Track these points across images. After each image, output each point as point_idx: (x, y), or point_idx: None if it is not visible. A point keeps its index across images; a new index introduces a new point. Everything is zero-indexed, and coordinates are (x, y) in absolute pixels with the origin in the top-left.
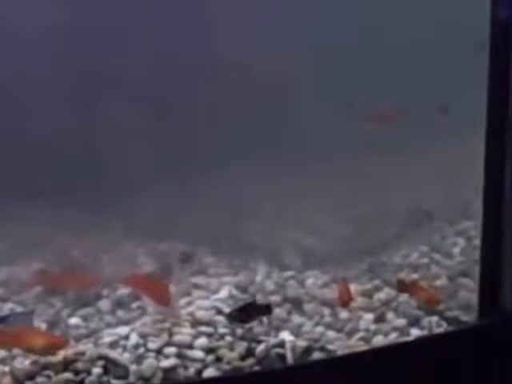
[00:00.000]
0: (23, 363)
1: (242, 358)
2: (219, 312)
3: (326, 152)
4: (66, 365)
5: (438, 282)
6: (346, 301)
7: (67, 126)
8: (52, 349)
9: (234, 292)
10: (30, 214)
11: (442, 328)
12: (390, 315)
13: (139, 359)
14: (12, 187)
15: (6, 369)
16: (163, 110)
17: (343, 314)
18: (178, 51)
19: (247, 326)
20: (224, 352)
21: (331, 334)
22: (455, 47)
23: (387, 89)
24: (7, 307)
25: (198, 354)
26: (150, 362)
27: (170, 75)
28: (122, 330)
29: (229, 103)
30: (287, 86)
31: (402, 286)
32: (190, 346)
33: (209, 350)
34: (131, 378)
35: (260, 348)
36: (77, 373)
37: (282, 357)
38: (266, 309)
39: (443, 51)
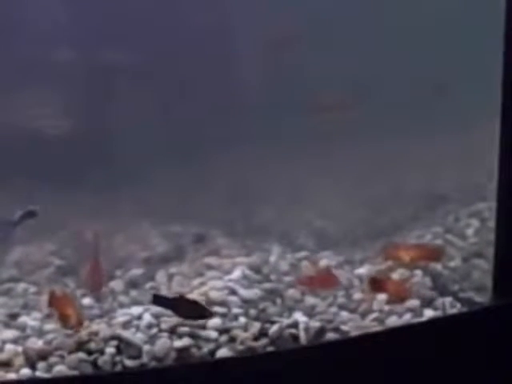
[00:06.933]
0: (36, 343)
1: (256, 338)
2: (233, 292)
3: (339, 135)
4: (80, 345)
5: (452, 263)
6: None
7: (80, 109)
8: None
9: (248, 272)
10: (41, 196)
11: (455, 309)
12: None
13: (152, 339)
14: (24, 170)
15: (19, 349)
16: (177, 92)
17: (357, 295)
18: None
19: None
20: (237, 332)
21: (345, 314)
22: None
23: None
24: (20, 287)
25: (211, 334)
26: (163, 342)
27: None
28: (136, 310)
29: (243, 85)
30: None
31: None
32: (204, 327)
33: (222, 331)
34: (144, 358)
35: (273, 329)
36: (90, 353)
37: (296, 337)
38: None
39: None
